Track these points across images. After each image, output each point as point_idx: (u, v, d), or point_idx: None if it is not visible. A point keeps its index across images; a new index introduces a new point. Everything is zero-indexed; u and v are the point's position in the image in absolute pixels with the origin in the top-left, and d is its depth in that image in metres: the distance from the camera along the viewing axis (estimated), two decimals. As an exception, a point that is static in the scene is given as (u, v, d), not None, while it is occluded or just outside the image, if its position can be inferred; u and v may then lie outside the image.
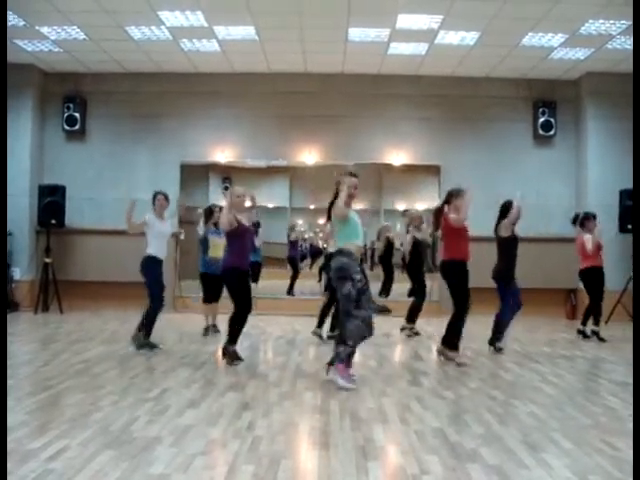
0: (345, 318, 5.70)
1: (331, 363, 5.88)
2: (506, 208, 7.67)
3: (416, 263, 9.14)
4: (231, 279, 6.66)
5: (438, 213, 7.19)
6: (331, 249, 8.19)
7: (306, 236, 13.09)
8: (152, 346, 7.32)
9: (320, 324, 8.48)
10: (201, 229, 8.70)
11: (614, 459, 3.73)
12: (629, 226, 10.48)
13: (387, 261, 11.90)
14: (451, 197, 7.11)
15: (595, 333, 8.85)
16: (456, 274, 6.93)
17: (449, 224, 7.01)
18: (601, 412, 4.89)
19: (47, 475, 3.33)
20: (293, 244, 12.88)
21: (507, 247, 7.62)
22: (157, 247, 7.47)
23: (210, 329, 8.79)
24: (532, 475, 3.47)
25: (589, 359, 7.49)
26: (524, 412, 4.85)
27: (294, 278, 12.58)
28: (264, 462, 3.60)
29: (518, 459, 3.71)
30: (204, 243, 8.63)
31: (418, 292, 9.13)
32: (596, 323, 8.88)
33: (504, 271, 7.60)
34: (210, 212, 8.72)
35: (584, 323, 9.00)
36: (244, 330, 8.48)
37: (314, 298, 11.17)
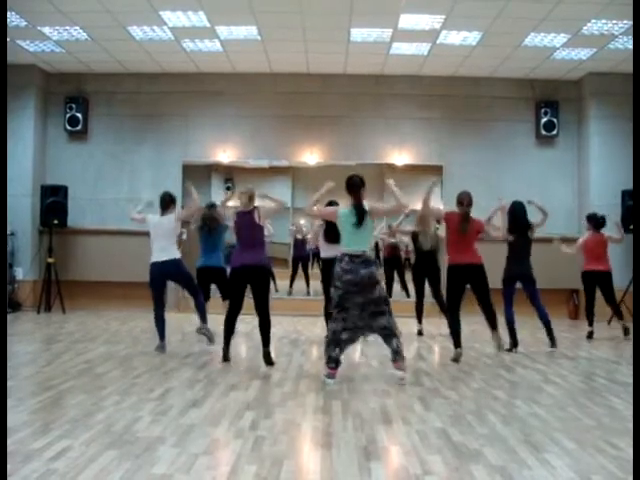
0: (388, 316, 5.88)
1: (333, 367, 5.90)
2: (523, 211, 8.01)
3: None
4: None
5: (467, 217, 7.12)
6: (325, 254, 8.20)
7: (309, 236, 13.10)
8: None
9: None
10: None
11: (617, 459, 3.72)
12: (631, 226, 10.46)
13: (390, 264, 11.80)
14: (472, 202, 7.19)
15: (626, 329, 8.91)
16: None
17: (480, 228, 7.18)
18: (604, 412, 4.89)
19: (50, 475, 3.33)
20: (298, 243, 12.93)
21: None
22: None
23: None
24: (535, 475, 3.47)
25: (591, 359, 7.47)
26: (527, 412, 4.85)
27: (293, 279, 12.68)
28: (267, 462, 3.60)
29: (521, 459, 3.71)
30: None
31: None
32: (620, 317, 9.06)
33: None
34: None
35: (591, 324, 9.05)
36: (247, 330, 8.51)
37: (317, 299, 11.16)
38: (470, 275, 7.07)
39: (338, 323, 5.88)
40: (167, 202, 7.54)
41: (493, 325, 7.27)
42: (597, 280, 9.01)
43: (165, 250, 7.35)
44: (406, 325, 9.38)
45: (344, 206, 6.13)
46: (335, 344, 5.87)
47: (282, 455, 3.75)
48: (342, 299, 5.83)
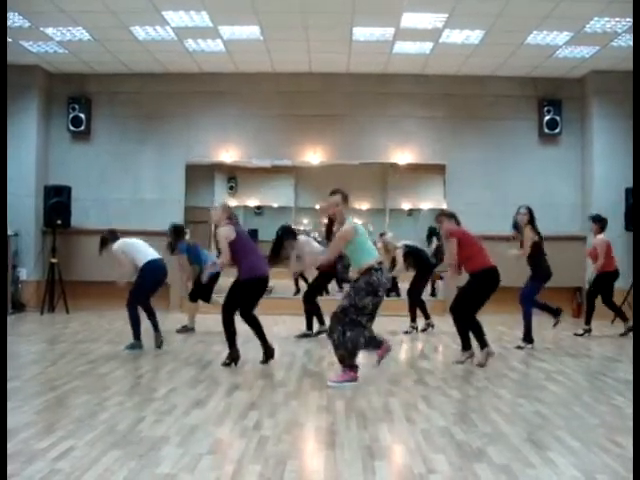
0: (352, 327, 5.77)
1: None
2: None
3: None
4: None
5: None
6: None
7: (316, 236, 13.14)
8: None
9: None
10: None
11: (620, 458, 3.72)
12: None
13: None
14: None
15: (629, 329, 9.03)
16: None
17: None
18: (607, 411, 4.88)
19: (54, 475, 3.34)
20: None
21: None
22: None
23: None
24: (538, 474, 3.47)
25: (595, 357, 7.48)
26: (530, 411, 4.85)
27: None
28: (270, 462, 3.61)
29: (525, 458, 3.71)
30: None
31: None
32: (624, 319, 9.20)
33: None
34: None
35: (588, 322, 9.12)
36: (249, 329, 8.47)
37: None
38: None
39: (364, 330, 5.81)
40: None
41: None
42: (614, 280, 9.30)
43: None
44: (393, 324, 9.42)
45: (352, 221, 6.03)
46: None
47: (286, 454, 3.76)
48: (376, 307, 5.83)
